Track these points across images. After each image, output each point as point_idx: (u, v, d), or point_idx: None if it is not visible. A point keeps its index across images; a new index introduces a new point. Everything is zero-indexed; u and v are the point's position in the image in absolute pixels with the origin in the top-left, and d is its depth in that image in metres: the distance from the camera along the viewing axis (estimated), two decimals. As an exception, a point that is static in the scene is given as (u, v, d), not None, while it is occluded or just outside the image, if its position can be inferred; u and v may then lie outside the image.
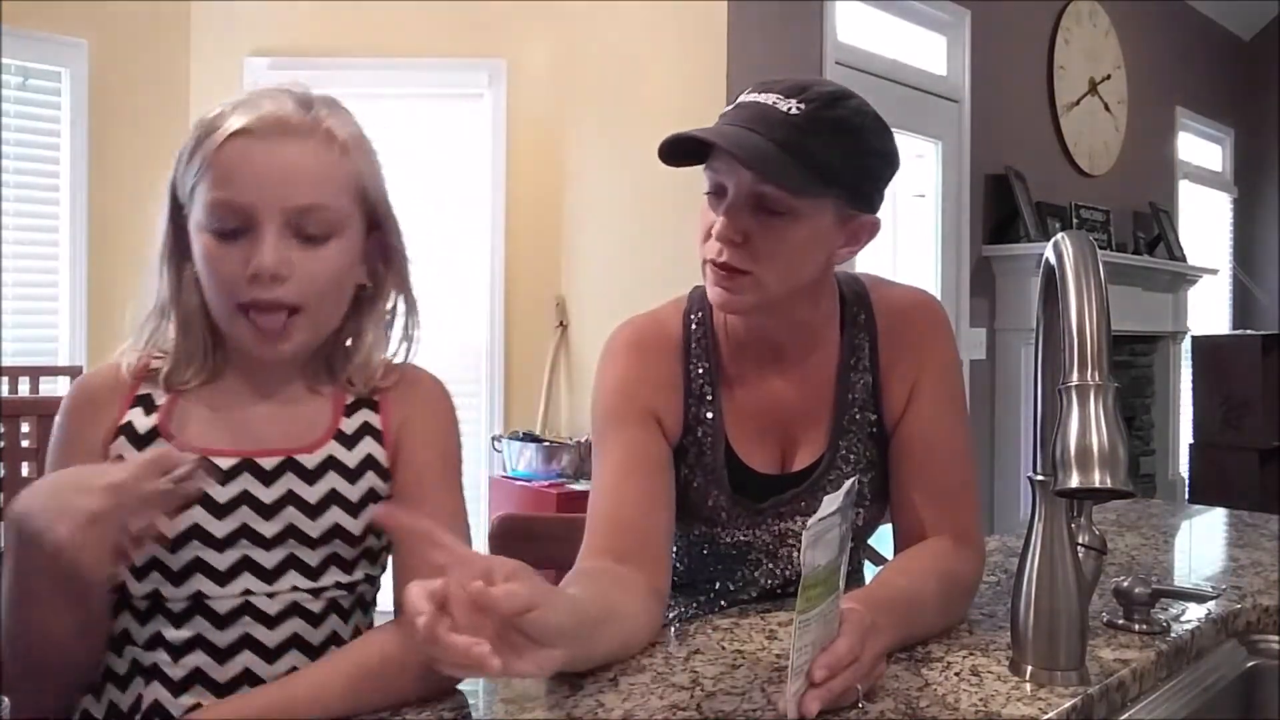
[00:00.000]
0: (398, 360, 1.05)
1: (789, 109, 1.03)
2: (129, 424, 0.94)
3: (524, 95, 3.49)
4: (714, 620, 1.07)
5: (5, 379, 2.91)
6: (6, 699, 0.84)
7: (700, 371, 1.17)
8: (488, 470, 3.46)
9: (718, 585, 1.23)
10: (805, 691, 0.79)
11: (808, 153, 1.02)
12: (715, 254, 1.07)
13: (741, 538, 1.18)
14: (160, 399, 0.95)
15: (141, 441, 0.93)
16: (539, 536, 1.45)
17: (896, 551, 1.15)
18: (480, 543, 3.90)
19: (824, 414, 1.17)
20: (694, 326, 1.19)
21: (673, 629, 1.05)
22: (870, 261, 3.84)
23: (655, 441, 1.13)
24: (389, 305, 1.03)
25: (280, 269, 0.89)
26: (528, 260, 3.54)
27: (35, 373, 3.02)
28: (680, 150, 1.05)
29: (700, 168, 1.09)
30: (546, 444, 3.28)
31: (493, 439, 3.43)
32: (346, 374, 1.00)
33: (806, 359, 1.18)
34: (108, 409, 0.94)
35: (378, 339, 1.02)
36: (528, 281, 3.54)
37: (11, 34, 3.07)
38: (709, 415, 1.16)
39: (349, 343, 1.01)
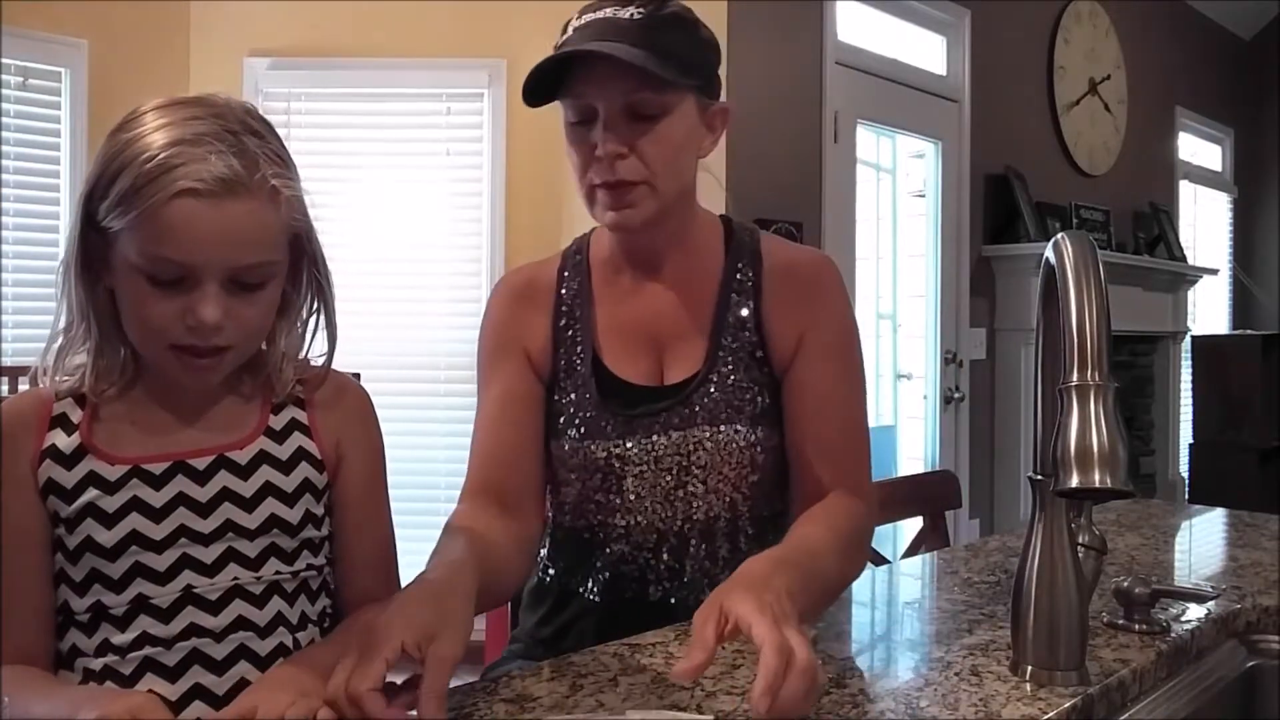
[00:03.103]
0: (320, 359, 1.05)
1: (630, 15, 1.08)
2: (52, 446, 0.94)
3: (524, 95, 3.49)
4: (714, 620, 1.07)
5: (5, 379, 2.91)
6: (6, 698, 0.84)
7: (571, 290, 1.21)
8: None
9: (605, 550, 1.19)
10: None
11: (664, 49, 1.07)
12: (607, 174, 1.10)
13: (614, 450, 1.15)
14: (76, 415, 0.95)
15: (69, 461, 0.93)
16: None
17: (795, 506, 1.16)
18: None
19: (702, 332, 1.18)
20: (574, 254, 1.25)
21: (672, 630, 1.04)
22: (870, 261, 3.85)
23: (526, 378, 1.19)
24: (304, 309, 1.03)
25: (221, 322, 0.89)
26: (527, 260, 3.53)
27: (32, 371, 3.01)
28: (541, 86, 1.09)
29: (551, 109, 1.14)
30: (546, 444, 3.28)
31: (493, 439, 3.43)
32: (265, 374, 1.01)
33: (686, 276, 1.20)
34: (25, 438, 0.94)
35: (292, 340, 1.02)
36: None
37: (11, 34, 3.07)
38: (576, 325, 1.19)
39: (264, 345, 1.01)
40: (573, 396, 1.17)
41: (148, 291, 0.89)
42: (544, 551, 1.26)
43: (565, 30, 1.13)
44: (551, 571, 1.25)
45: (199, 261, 0.87)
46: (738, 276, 1.19)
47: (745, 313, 1.18)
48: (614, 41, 1.06)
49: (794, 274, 1.19)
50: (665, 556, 1.17)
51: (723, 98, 1.20)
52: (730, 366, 1.16)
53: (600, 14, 1.10)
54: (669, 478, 1.16)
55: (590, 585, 1.20)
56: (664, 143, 1.10)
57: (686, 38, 1.12)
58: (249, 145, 0.90)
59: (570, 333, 1.19)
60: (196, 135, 0.87)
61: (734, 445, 1.15)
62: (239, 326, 0.92)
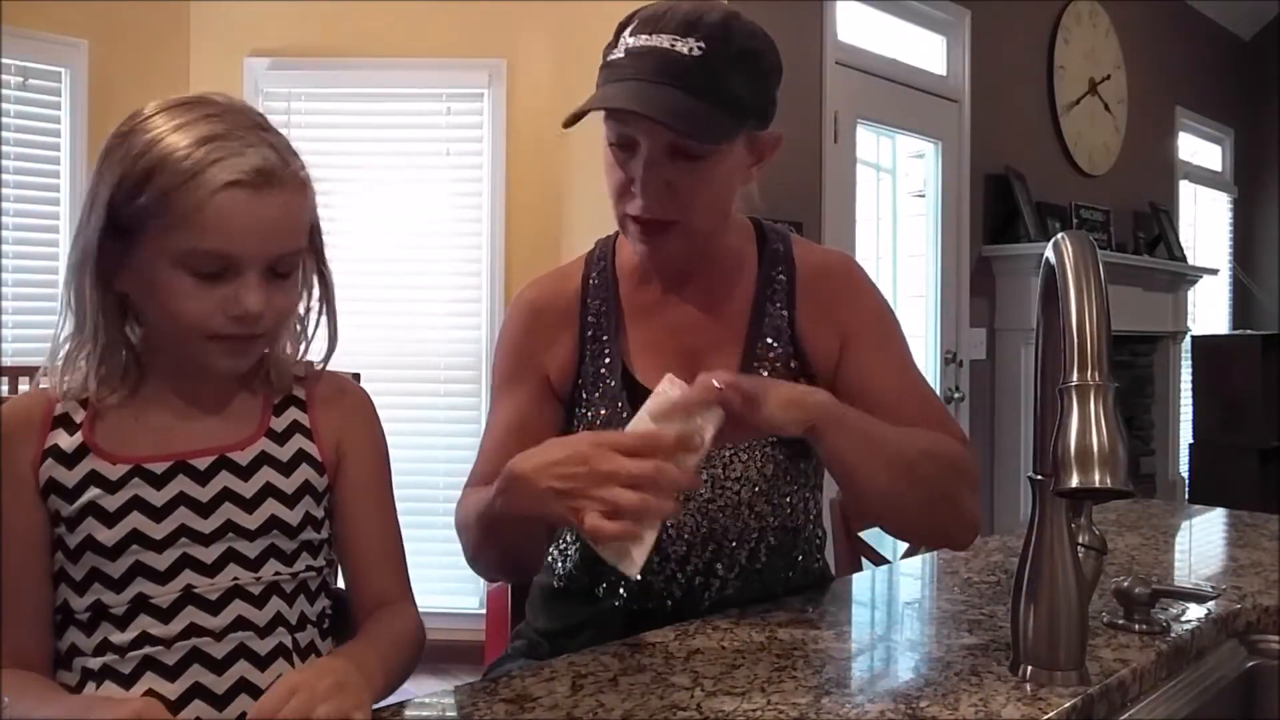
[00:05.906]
0: (318, 359, 1.06)
1: (689, 50, 1.01)
2: (54, 446, 0.94)
3: (524, 95, 3.48)
4: (714, 620, 1.07)
5: (5, 379, 2.91)
6: (6, 698, 0.84)
7: (597, 301, 1.18)
8: (488, 470, 3.46)
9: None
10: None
11: (721, 94, 1.01)
12: (641, 210, 1.06)
13: None
14: (79, 415, 0.96)
15: (71, 460, 0.94)
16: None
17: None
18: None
19: (735, 343, 1.16)
20: (597, 260, 1.21)
21: (672, 630, 1.04)
22: (870, 261, 3.85)
23: (539, 403, 1.17)
24: (305, 303, 1.04)
25: (263, 310, 0.92)
26: (527, 260, 3.53)
27: (36, 373, 3.00)
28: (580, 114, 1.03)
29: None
30: (546, 444, 3.27)
31: (493, 439, 3.43)
32: (264, 370, 1.02)
33: (719, 288, 1.17)
34: (26, 438, 0.95)
35: (292, 336, 1.03)
36: (527, 281, 3.54)
37: (11, 34, 3.07)
38: (605, 337, 1.16)
39: None
40: (603, 411, 1.15)
41: (189, 286, 0.90)
42: (561, 554, 1.25)
43: (617, 43, 1.07)
44: (567, 571, 1.23)
45: (243, 252, 0.89)
46: (773, 284, 1.17)
47: (781, 319, 1.15)
48: (669, 85, 0.99)
49: (825, 277, 1.17)
50: (690, 567, 1.16)
51: None
52: (764, 376, 1.13)
53: (657, 42, 1.02)
54: (703, 491, 1.14)
55: (619, 591, 1.19)
56: (706, 183, 1.06)
57: (749, 74, 1.04)
58: (272, 138, 0.92)
59: (597, 345, 1.17)
60: (225, 130, 0.89)
61: (770, 460, 1.14)
62: (275, 313, 0.94)
